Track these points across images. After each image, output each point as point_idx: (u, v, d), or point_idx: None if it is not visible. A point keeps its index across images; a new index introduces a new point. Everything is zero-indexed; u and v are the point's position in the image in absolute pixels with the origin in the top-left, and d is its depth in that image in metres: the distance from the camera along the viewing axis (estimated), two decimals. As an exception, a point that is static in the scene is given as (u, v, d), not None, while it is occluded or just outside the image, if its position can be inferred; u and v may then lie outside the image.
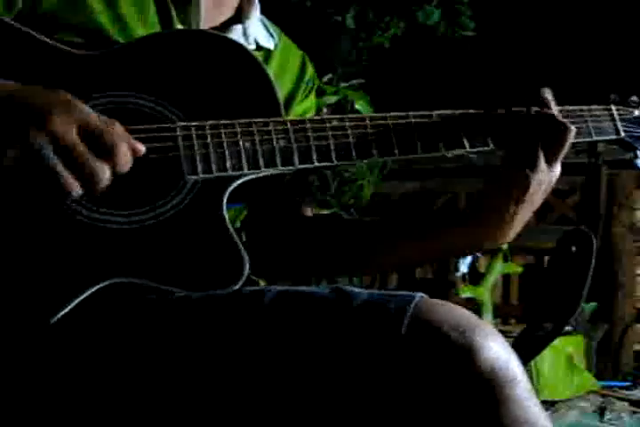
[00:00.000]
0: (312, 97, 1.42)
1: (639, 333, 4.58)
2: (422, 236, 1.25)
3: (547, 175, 1.19)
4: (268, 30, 1.35)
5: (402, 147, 1.17)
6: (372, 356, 0.93)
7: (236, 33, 1.29)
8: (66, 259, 1.00)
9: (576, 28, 6.46)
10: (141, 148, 0.99)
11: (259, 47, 1.33)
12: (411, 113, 1.19)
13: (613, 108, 1.32)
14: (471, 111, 1.22)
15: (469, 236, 1.21)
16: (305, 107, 1.40)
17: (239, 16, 1.32)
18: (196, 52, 1.13)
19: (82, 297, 0.99)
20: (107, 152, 0.94)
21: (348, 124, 1.15)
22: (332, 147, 1.13)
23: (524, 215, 1.20)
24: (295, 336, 0.96)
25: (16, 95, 0.95)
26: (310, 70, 1.42)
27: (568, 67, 6.41)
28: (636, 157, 1.36)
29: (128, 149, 0.97)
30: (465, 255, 4.08)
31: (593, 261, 1.35)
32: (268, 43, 1.34)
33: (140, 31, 1.17)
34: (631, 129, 1.34)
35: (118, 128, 0.96)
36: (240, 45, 1.17)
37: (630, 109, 1.35)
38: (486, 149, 1.22)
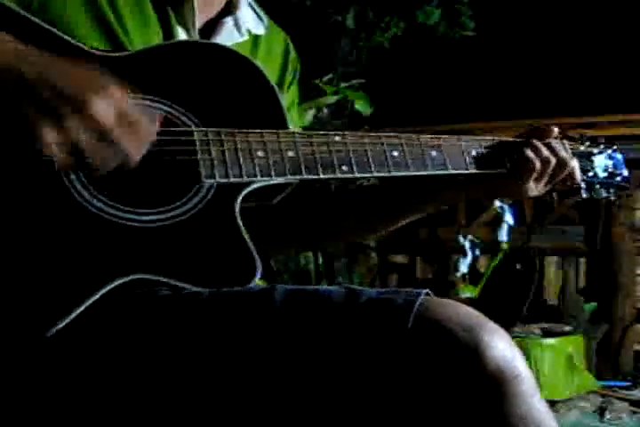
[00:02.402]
0: (295, 84, 1.45)
1: (639, 333, 4.57)
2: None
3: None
4: (257, 13, 1.37)
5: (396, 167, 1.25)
6: (379, 350, 0.95)
7: (228, 26, 1.31)
8: (85, 255, 1.02)
9: (576, 27, 6.47)
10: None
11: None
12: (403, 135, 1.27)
13: (565, 142, 1.42)
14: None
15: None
16: (292, 96, 1.43)
17: (229, 7, 1.33)
18: (210, 63, 1.17)
19: (101, 293, 1.00)
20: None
21: (349, 140, 1.20)
22: (336, 161, 1.19)
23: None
24: (305, 334, 0.98)
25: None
26: (293, 54, 1.45)
27: (568, 66, 6.42)
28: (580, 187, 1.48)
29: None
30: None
31: (535, 279, 1.46)
32: (258, 28, 1.36)
33: (137, 30, 1.18)
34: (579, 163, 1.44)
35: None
36: (248, 60, 1.21)
37: (576, 145, 1.47)
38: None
